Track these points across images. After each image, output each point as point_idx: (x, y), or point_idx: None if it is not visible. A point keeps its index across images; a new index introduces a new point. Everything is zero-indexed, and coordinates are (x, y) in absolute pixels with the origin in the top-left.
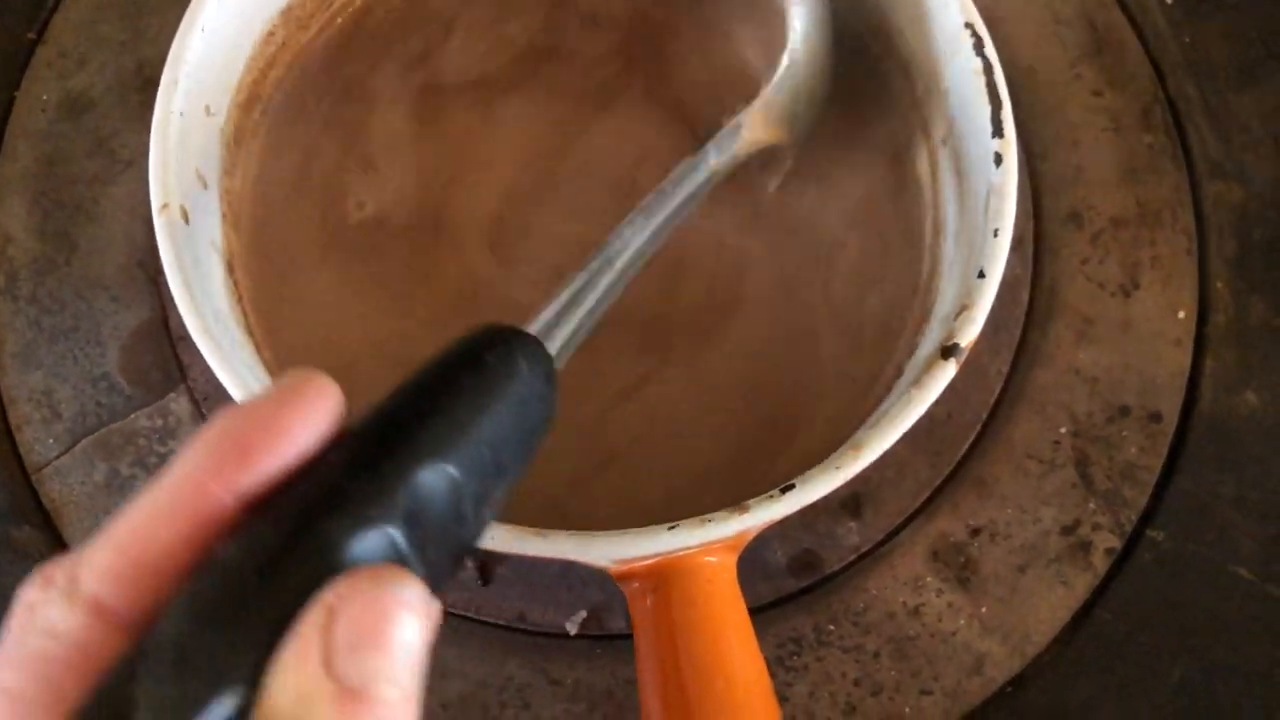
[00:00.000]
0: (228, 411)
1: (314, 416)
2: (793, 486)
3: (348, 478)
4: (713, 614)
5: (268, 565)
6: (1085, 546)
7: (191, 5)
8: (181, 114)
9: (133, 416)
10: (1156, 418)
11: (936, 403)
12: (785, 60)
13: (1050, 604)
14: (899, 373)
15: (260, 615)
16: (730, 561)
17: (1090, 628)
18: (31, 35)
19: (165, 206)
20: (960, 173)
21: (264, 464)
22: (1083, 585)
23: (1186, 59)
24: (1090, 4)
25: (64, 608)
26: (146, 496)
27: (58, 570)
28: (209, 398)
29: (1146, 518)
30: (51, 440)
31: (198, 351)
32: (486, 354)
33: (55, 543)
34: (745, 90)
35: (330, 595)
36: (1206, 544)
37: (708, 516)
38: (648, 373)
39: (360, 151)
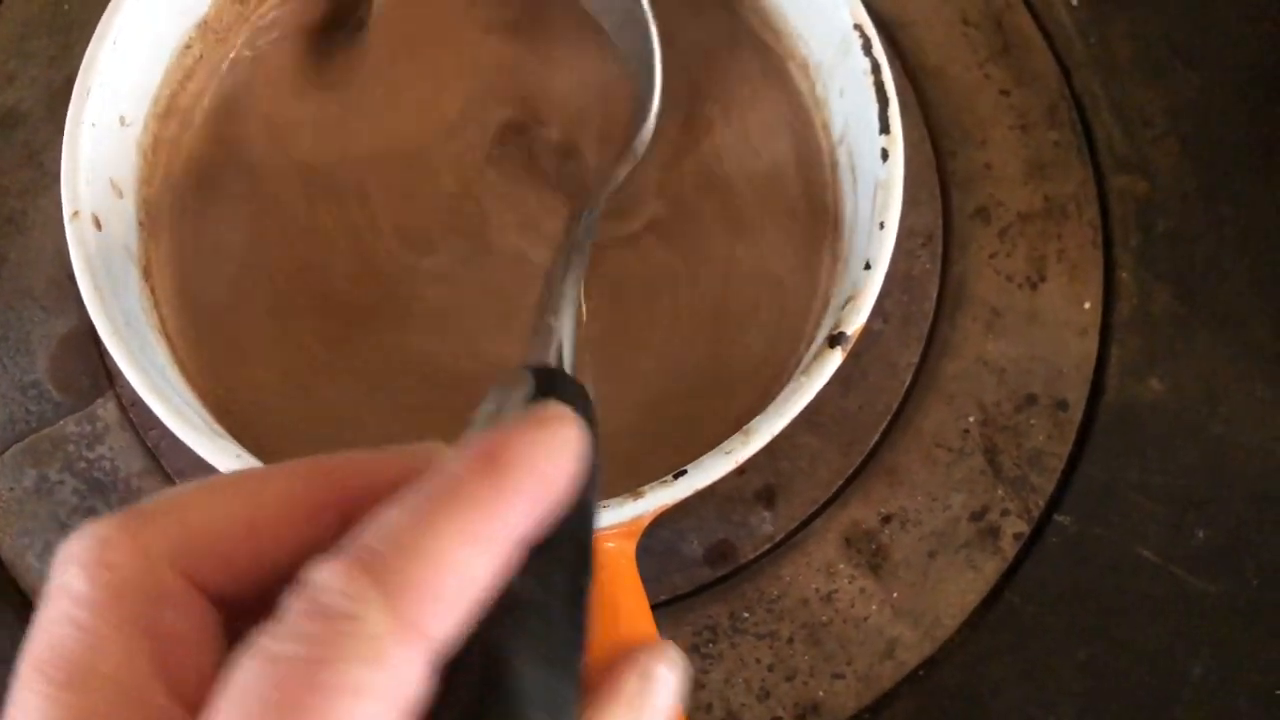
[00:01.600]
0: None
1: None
2: (685, 472)
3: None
4: (610, 598)
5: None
6: (994, 532)
7: (104, 17)
8: (94, 124)
9: (61, 423)
10: (1063, 406)
11: (848, 394)
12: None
13: (960, 588)
14: (799, 363)
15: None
16: (629, 548)
17: (999, 611)
18: None
19: (76, 214)
20: (855, 169)
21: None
22: (992, 569)
23: (1092, 57)
24: (998, 5)
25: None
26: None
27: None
28: (136, 404)
29: (1054, 503)
30: None
31: None
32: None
33: None
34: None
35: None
36: (1112, 528)
37: (602, 502)
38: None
39: (280, 160)
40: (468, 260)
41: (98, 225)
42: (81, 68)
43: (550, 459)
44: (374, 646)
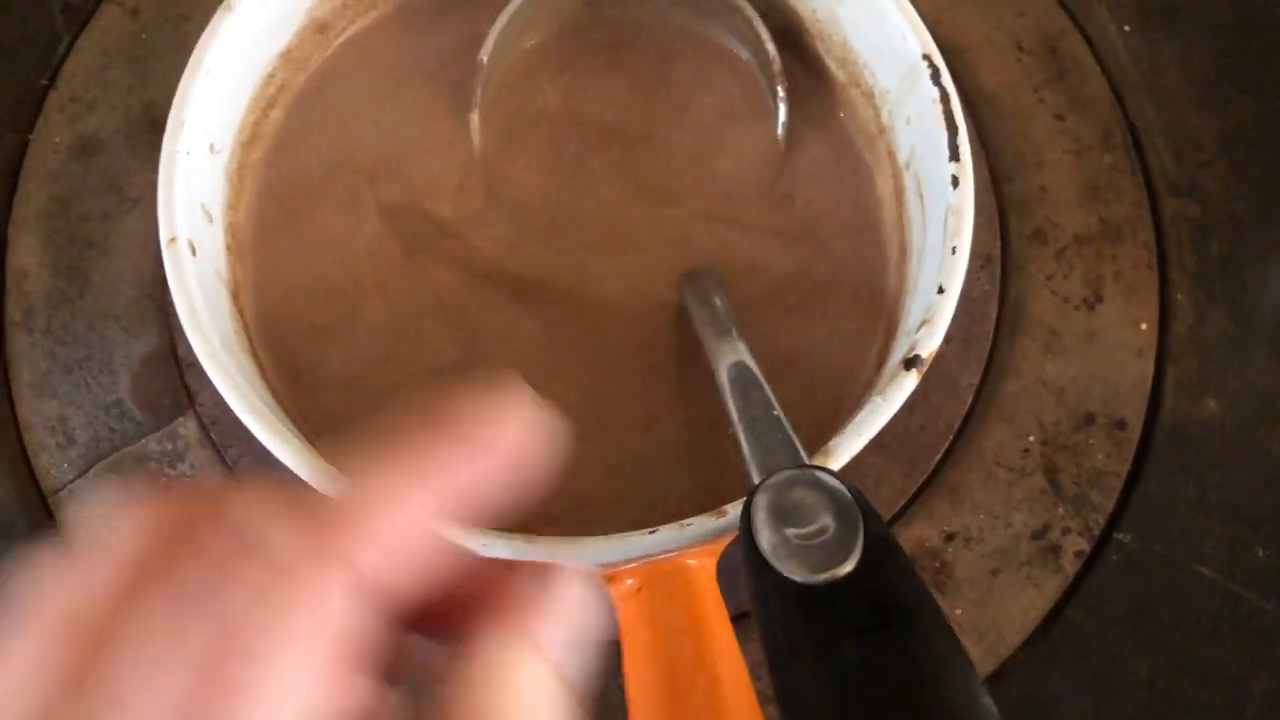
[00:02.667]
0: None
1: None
2: None
3: None
4: (694, 614)
5: None
6: (1055, 550)
7: (196, 49)
8: (188, 153)
9: (143, 441)
10: (1121, 425)
11: (911, 414)
12: None
13: (1022, 605)
14: (869, 386)
15: None
16: (710, 565)
17: (1061, 627)
18: (44, 81)
19: (173, 240)
20: (923, 195)
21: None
22: (1053, 586)
23: (1144, 83)
24: (1052, 32)
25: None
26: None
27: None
28: (217, 422)
29: (1113, 521)
30: (66, 465)
31: (205, 378)
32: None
33: None
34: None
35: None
36: (1171, 545)
37: (686, 521)
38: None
39: (355, 183)
40: (557, 309)
41: (192, 251)
42: (175, 99)
43: (489, 421)
44: (280, 559)
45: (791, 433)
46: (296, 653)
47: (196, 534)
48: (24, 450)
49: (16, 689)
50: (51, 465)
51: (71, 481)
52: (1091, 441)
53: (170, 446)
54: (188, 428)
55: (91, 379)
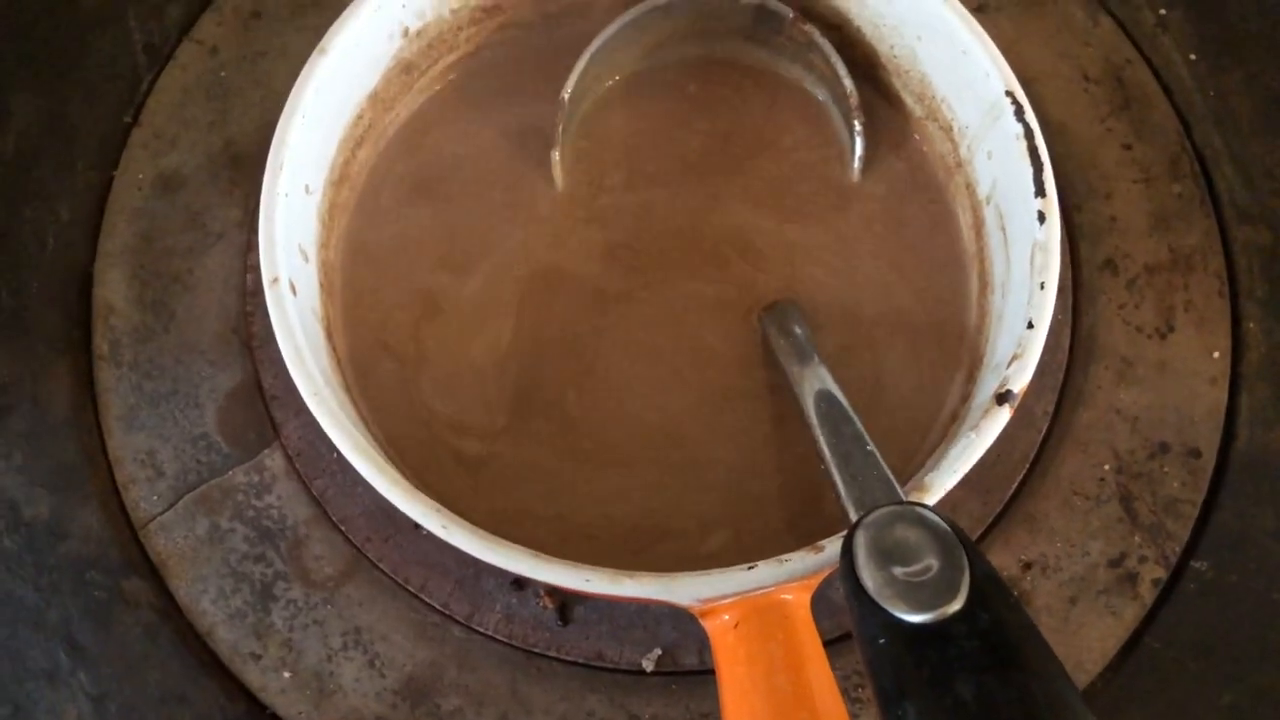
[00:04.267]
0: None
1: None
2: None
3: None
4: (792, 648)
5: None
6: (1132, 578)
7: (292, 93)
8: (286, 195)
9: (231, 473)
10: (1195, 454)
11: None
12: None
13: (1101, 633)
14: (954, 418)
15: None
16: (805, 599)
17: (1140, 656)
18: (128, 119)
19: (275, 281)
20: (1005, 229)
21: None
22: (1131, 615)
23: (1211, 110)
24: (1117, 61)
25: None
26: None
27: None
28: (302, 454)
29: (1190, 549)
30: (156, 497)
31: (290, 410)
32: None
33: (163, 593)
34: None
35: None
36: (1248, 574)
37: (784, 557)
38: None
39: (438, 219)
40: (646, 340)
41: (293, 290)
42: (274, 142)
43: None
44: None
45: (886, 469)
46: None
47: None
48: (114, 483)
49: None
50: (141, 498)
51: (161, 514)
52: (1166, 470)
53: (257, 478)
54: (274, 459)
55: (179, 412)
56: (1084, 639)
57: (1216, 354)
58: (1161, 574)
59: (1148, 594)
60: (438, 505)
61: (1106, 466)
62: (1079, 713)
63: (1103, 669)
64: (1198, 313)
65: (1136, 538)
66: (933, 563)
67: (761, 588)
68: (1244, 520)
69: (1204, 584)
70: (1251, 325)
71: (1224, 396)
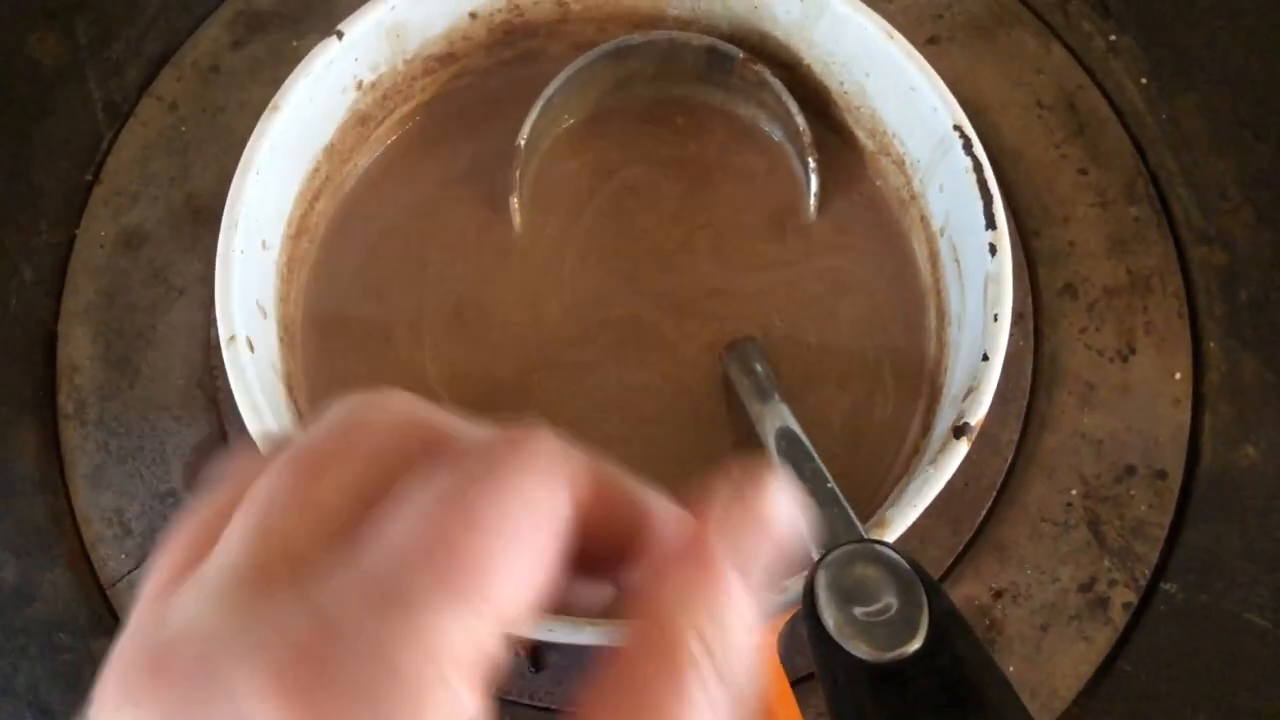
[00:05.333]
0: None
1: None
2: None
3: None
4: (758, 689)
5: None
6: (1103, 602)
7: (246, 152)
8: (242, 251)
9: None
10: (1162, 475)
11: (956, 472)
12: None
13: (1074, 659)
14: (916, 450)
15: None
16: (770, 639)
17: (1114, 680)
18: (89, 177)
19: (232, 339)
20: (959, 262)
21: None
22: (1103, 640)
23: (1164, 134)
24: (1070, 87)
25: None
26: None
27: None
28: None
29: (1159, 571)
30: (124, 555)
31: None
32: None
33: None
34: None
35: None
36: (1219, 594)
37: None
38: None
39: (399, 268)
40: (603, 383)
41: (250, 348)
42: (228, 200)
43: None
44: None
45: (847, 506)
46: (538, 530)
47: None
48: (81, 543)
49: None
50: (109, 556)
51: (130, 572)
52: (1133, 493)
53: None
54: None
55: (145, 469)
56: (1057, 665)
57: (1178, 375)
58: (1132, 597)
59: (1119, 618)
60: None
61: (1073, 491)
62: None
63: (1077, 694)
64: (1158, 334)
65: (1106, 562)
66: (892, 601)
67: None
68: (1212, 540)
69: (1174, 606)
70: (1212, 344)
71: (1187, 417)
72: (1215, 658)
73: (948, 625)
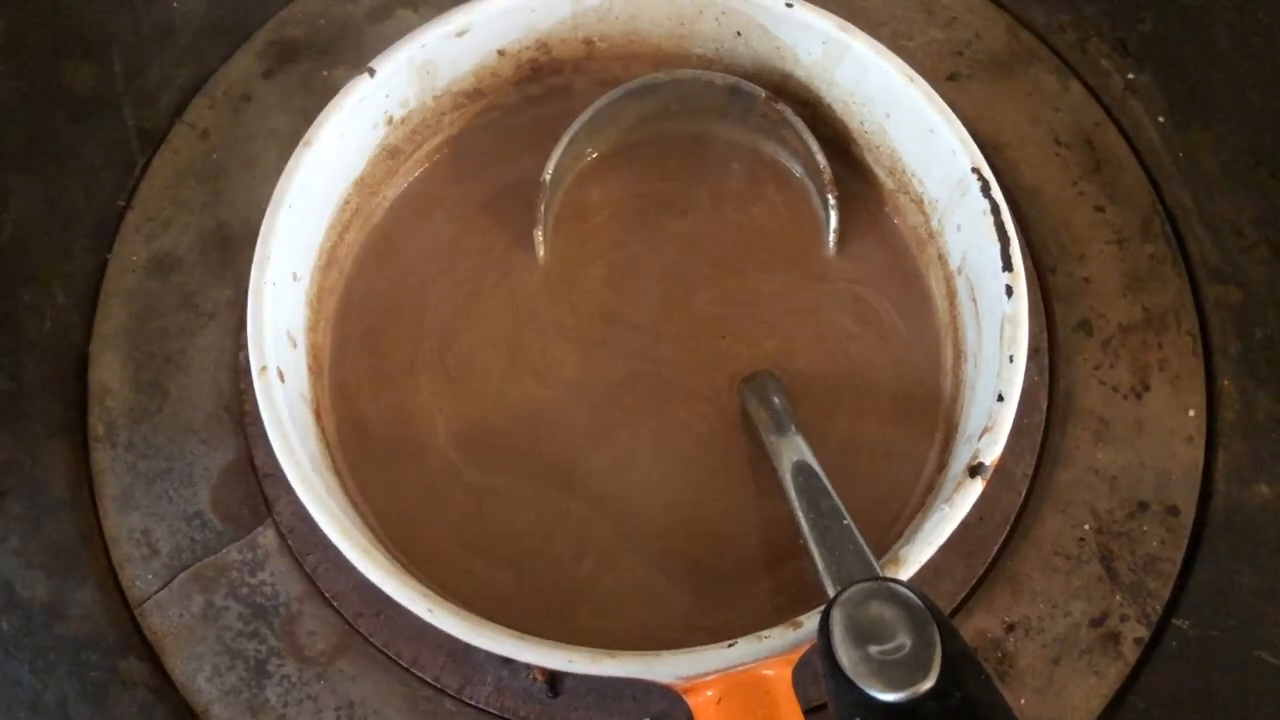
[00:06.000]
0: None
1: None
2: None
3: None
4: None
5: None
6: (1115, 637)
7: (279, 187)
8: (274, 284)
9: (225, 550)
10: (1174, 511)
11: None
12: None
13: (1085, 693)
14: (931, 487)
15: None
16: (786, 673)
17: (1124, 715)
18: (121, 202)
19: (264, 370)
20: (976, 301)
21: None
22: (1115, 674)
23: (1180, 172)
24: (1087, 125)
25: None
26: None
27: None
28: (294, 531)
29: (1171, 607)
30: (151, 576)
31: (283, 488)
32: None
33: (159, 672)
34: None
35: None
36: (1230, 631)
37: (764, 633)
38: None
39: (426, 299)
40: (627, 413)
41: (281, 378)
42: (260, 233)
43: None
44: None
45: (863, 542)
46: None
47: None
48: (110, 563)
49: None
50: (137, 577)
51: (156, 592)
52: (1145, 529)
53: (250, 555)
54: (267, 536)
55: (173, 491)
56: (1068, 699)
57: (1192, 412)
58: (1143, 632)
59: (1130, 653)
60: (424, 589)
61: (1086, 526)
62: None
63: None
64: (1172, 371)
65: (1118, 597)
66: (905, 641)
67: (742, 664)
68: (1224, 577)
69: (1186, 641)
70: (1226, 382)
71: (1201, 454)
72: (1226, 695)
73: (960, 664)
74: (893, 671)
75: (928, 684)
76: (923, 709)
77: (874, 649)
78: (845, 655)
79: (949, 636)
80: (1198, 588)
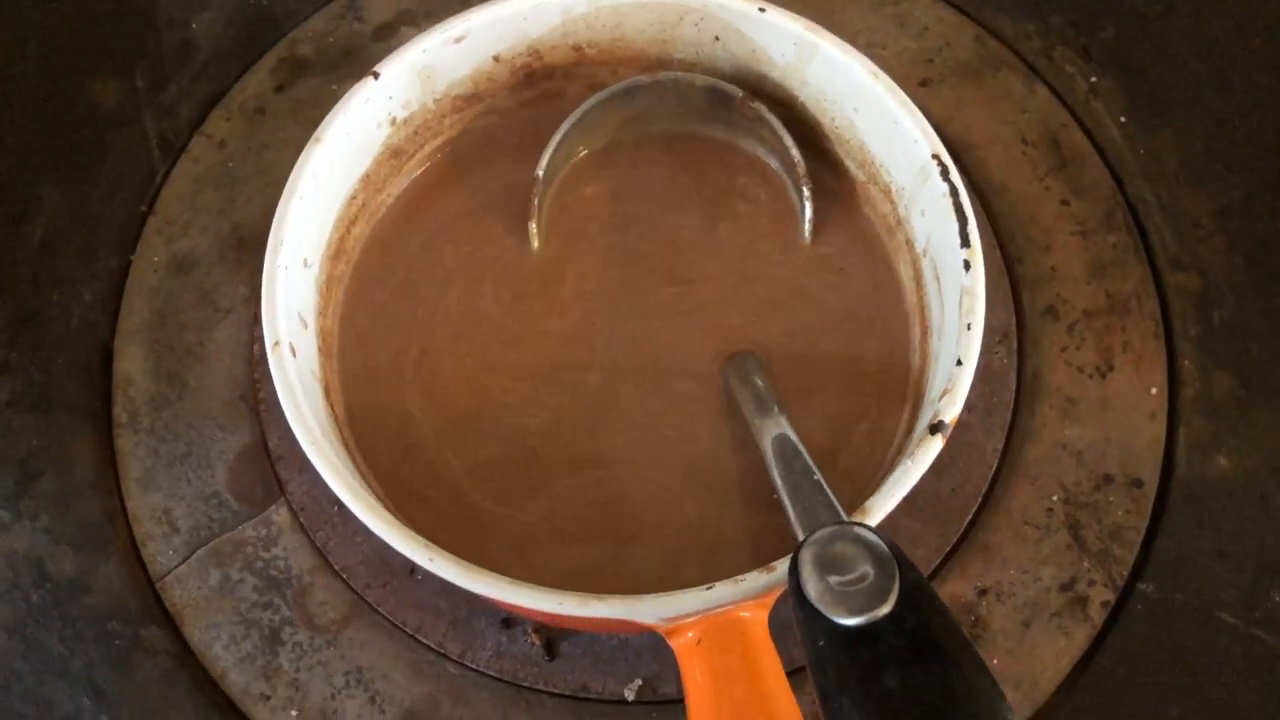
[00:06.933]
0: None
1: None
2: None
3: None
4: (750, 660)
5: None
6: (1082, 601)
7: (291, 179)
8: (286, 268)
9: (240, 528)
10: (1138, 483)
11: (941, 479)
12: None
13: (1054, 654)
14: (900, 452)
15: None
16: (762, 616)
17: (1092, 674)
18: (144, 208)
19: (276, 344)
20: (939, 279)
21: None
22: (1082, 636)
23: (1141, 167)
24: (1053, 126)
25: None
26: None
27: None
28: (305, 509)
29: (1136, 572)
30: (171, 552)
31: (294, 468)
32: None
33: (178, 641)
34: None
35: None
36: (1192, 593)
37: (740, 577)
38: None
39: (426, 289)
40: (614, 389)
41: (293, 353)
42: (274, 221)
43: None
44: None
45: (831, 494)
46: None
47: None
48: (133, 540)
49: None
50: (158, 553)
51: (176, 567)
52: (1111, 499)
53: (264, 532)
54: (280, 514)
55: (192, 473)
56: (1039, 660)
57: (1154, 390)
58: (1110, 596)
59: (1097, 616)
60: (424, 540)
61: (1055, 498)
62: (993, 698)
63: (1057, 687)
64: (1135, 353)
65: (1085, 563)
66: (868, 572)
67: (720, 605)
68: (1185, 544)
69: (1150, 604)
70: (1186, 363)
71: (1163, 429)
72: (1189, 653)
73: (916, 594)
74: (854, 599)
75: (885, 609)
76: (881, 631)
77: (836, 580)
78: (812, 587)
79: (907, 570)
80: (1161, 554)
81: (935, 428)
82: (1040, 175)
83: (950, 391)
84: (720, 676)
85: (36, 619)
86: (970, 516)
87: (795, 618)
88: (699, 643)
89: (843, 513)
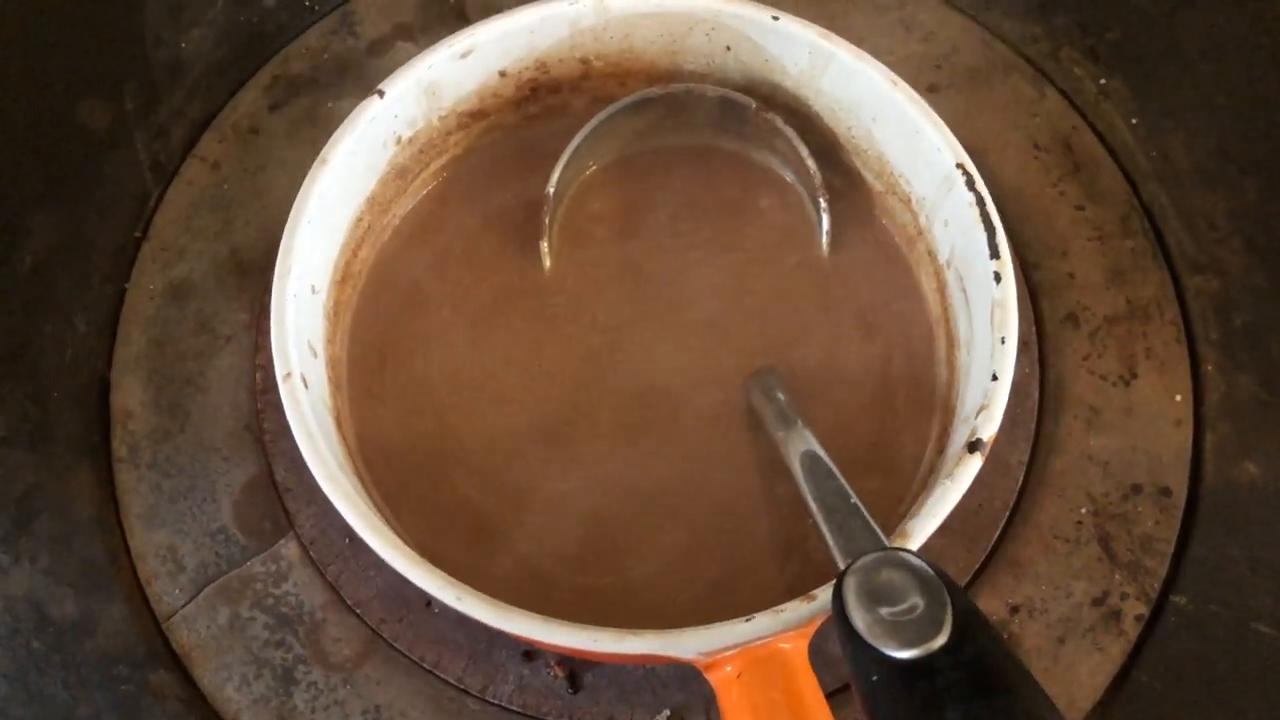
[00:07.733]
0: None
1: None
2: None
3: None
4: (793, 693)
5: None
6: (1116, 615)
7: (297, 203)
8: (295, 295)
9: (248, 564)
10: (1166, 492)
11: (968, 495)
12: None
13: (1090, 670)
14: (932, 469)
15: None
16: (803, 646)
17: (1129, 689)
18: (138, 234)
19: (288, 376)
20: (966, 291)
21: None
22: (1118, 651)
23: (1155, 170)
24: (1064, 129)
25: None
26: None
27: None
28: (315, 542)
29: (1169, 584)
30: (178, 590)
31: (302, 500)
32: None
33: (188, 683)
34: None
35: None
36: (1226, 605)
37: (780, 607)
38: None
39: (436, 312)
40: (633, 410)
41: (305, 384)
42: (281, 248)
43: None
44: None
45: (870, 519)
46: None
47: None
48: (137, 579)
49: None
50: (164, 592)
51: (183, 606)
52: (1140, 510)
53: (274, 567)
54: (289, 549)
55: (196, 508)
56: (1075, 677)
57: (1179, 397)
58: (1143, 610)
59: (1132, 630)
60: (451, 578)
61: (1083, 510)
62: None
63: (1094, 704)
64: (1158, 359)
65: (1117, 576)
66: (918, 602)
67: (760, 638)
68: (1218, 553)
69: (1185, 617)
70: (1209, 368)
71: (1189, 437)
72: (1225, 666)
73: (970, 622)
74: (906, 631)
75: (940, 640)
76: (937, 664)
77: (886, 611)
78: (859, 619)
79: (958, 597)
80: (1193, 564)
81: (974, 446)
82: (1054, 180)
83: (987, 408)
84: (762, 711)
85: (39, 665)
86: (999, 531)
87: (843, 650)
88: (739, 676)
89: (884, 537)
